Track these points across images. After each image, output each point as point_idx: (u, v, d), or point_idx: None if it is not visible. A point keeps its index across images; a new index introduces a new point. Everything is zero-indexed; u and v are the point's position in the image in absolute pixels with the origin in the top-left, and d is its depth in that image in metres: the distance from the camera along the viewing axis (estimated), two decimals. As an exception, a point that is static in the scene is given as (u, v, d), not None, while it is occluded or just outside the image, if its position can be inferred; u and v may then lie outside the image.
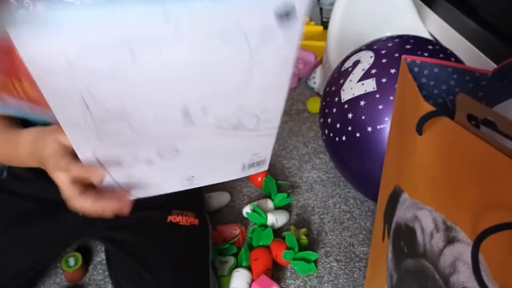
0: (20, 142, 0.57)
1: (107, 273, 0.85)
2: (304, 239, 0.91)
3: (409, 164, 0.49)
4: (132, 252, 0.75)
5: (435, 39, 1.44)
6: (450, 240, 0.43)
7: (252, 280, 0.82)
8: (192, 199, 0.85)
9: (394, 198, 0.54)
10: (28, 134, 0.56)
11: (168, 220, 0.78)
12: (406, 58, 0.53)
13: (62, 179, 0.50)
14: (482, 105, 0.38)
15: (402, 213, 0.52)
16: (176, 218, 0.78)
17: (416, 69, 0.53)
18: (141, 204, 0.77)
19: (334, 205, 1.03)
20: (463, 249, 0.42)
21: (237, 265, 0.86)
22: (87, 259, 0.90)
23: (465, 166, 0.41)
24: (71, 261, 0.86)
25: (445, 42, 1.37)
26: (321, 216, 1.00)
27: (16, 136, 0.58)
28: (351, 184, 1.02)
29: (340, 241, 0.94)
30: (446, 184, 0.43)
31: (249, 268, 0.85)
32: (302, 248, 0.89)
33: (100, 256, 0.91)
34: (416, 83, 0.53)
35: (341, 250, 0.92)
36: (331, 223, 0.99)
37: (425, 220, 0.47)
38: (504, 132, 0.36)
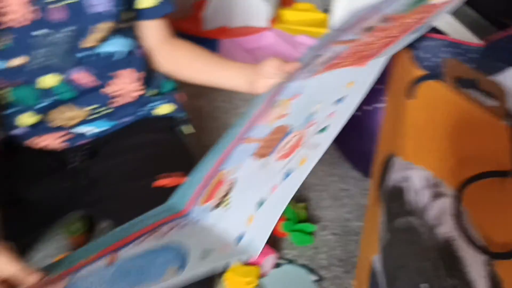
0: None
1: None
2: (302, 213, 0.94)
3: (401, 129, 0.52)
4: (122, 223, 0.77)
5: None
6: (436, 195, 0.47)
7: (251, 248, 0.86)
8: (179, 160, 0.86)
9: (387, 163, 0.58)
10: None
11: (154, 185, 0.78)
12: (404, 31, 0.56)
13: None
14: (468, 67, 0.41)
15: (394, 176, 0.55)
16: (162, 182, 0.78)
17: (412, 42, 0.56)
18: (122, 176, 0.79)
19: (332, 183, 1.07)
20: (447, 202, 0.45)
21: (237, 235, 0.90)
22: (91, 226, 0.94)
23: (451, 125, 0.44)
24: (74, 227, 0.90)
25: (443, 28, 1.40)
26: (320, 193, 1.04)
27: None
28: (349, 162, 1.05)
29: (337, 217, 0.98)
30: (434, 143, 0.47)
31: (248, 238, 0.89)
32: (300, 221, 0.93)
33: (102, 224, 0.95)
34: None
35: (337, 224, 0.96)
36: (329, 200, 1.02)
37: (414, 179, 0.50)
38: (486, 90, 0.39)
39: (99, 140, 0.84)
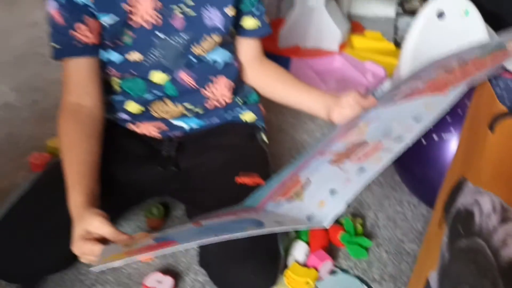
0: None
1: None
2: (359, 228, 1.00)
3: (477, 157, 0.58)
4: (205, 211, 0.86)
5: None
6: (504, 219, 0.52)
7: (310, 252, 0.92)
8: (259, 163, 0.94)
9: (457, 187, 0.63)
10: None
11: (236, 180, 0.87)
12: (487, 70, 0.62)
13: (96, 223, 0.66)
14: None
15: (464, 199, 0.61)
16: (243, 179, 0.87)
17: (493, 80, 0.62)
18: (208, 171, 0.89)
19: (389, 205, 1.12)
20: (515, 227, 0.51)
21: (297, 238, 0.97)
22: (168, 212, 1.04)
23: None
24: (154, 211, 1.00)
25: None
26: (376, 213, 1.09)
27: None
28: (409, 188, 1.10)
29: (391, 236, 1.03)
30: (508, 173, 0.52)
31: (307, 243, 0.95)
32: (357, 234, 0.99)
33: (177, 211, 1.04)
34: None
35: (391, 244, 1.01)
36: (384, 220, 1.07)
37: (485, 204, 0.56)
38: None
39: (188, 136, 0.95)
